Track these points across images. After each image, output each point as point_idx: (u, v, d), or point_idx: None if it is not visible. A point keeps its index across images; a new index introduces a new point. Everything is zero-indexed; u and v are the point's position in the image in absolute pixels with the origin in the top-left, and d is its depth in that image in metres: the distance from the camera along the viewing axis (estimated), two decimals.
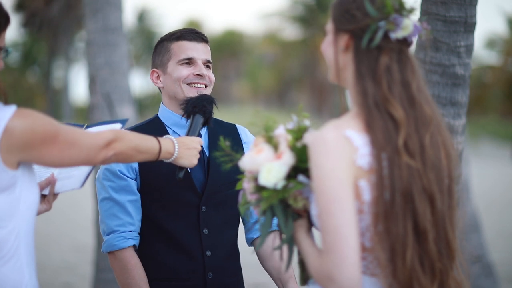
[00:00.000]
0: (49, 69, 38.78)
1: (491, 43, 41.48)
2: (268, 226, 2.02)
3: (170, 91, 2.88)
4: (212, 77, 2.91)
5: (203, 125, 2.79)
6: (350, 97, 2.02)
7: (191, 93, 2.84)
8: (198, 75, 2.85)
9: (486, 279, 6.87)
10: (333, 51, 2.04)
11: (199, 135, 2.88)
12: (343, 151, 1.90)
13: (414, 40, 2.01)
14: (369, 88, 1.96)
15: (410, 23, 1.97)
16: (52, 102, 38.19)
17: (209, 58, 2.92)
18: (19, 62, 40.37)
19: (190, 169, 2.80)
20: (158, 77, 2.92)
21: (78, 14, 32.59)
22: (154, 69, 2.94)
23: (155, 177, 2.80)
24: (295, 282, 2.87)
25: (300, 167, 2.00)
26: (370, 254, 1.94)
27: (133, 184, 2.82)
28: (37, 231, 10.38)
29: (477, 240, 6.90)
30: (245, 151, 2.92)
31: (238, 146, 2.91)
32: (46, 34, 36.93)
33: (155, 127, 2.88)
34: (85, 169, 2.52)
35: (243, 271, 3.00)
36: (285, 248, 2.06)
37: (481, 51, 43.37)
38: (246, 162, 2.03)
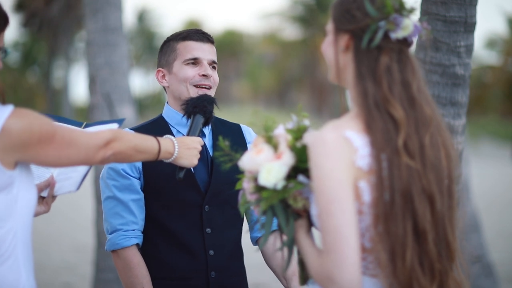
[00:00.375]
0: (49, 69, 38.80)
1: (491, 43, 41.50)
2: (269, 225, 2.02)
3: (176, 91, 2.89)
4: (217, 78, 2.92)
5: (204, 125, 2.79)
6: (350, 98, 2.02)
7: (197, 94, 2.86)
8: (203, 75, 2.86)
9: (486, 279, 6.87)
10: (333, 51, 2.04)
11: (203, 135, 2.89)
12: (343, 151, 1.90)
13: (414, 40, 2.01)
14: (369, 88, 1.96)
15: (410, 23, 1.97)
16: (52, 102, 38.20)
17: (215, 58, 2.93)
18: (19, 62, 40.40)
19: (193, 168, 2.82)
20: (163, 76, 2.94)
21: (78, 14, 32.60)
22: (159, 69, 2.95)
23: (159, 177, 2.81)
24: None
25: (300, 167, 2.00)
26: (370, 255, 1.94)
27: (137, 183, 2.83)
28: (37, 231, 10.39)
29: (477, 240, 6.90)
30: None
31: (242, 146, 2.92)
32: (46, 34, 36.94)
33: (159, 127, 2.90)
34: (81, 171, 2.52)
35: None
36: (285, 248, 2.06)
37: (481, 51, 43.40)
38: (245, 162, 2.03)
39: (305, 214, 2.03)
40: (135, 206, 2.82)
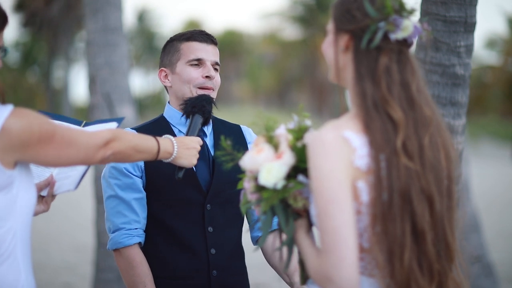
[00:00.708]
0: (49, 69, 38.80)
1: (491, 43, 41.51)
2: (269, 225, 2.02)
3: (178, 91, 2.90)
4: (219, 79, 2.93)
5: (203, 125, 2.80)
6: (350, 98, 2.02)
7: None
8: (207, 76, 2.87)
9: (486, 279, 6.87)
10: (333, 51, 2.04)
11: (204, 134, 2.90)
12: (341, 152, 1.90)
13: (414, 41, 2.01)
14: (368, 88, 1.96)
15: (410, 24, 1.97)
16: (52, 102, 38.20)
17: (218, 60, 2.94)
18: (19, 62, 40.41)
19: (195, 167, 2.83)
20: (166, 76, 2.95)
21: (78, 14, 32.60)
22: (162, 68, 2.96)
23: (161, 175, 2.82)
24: None
25: (300, 167, 2.00)
26: (368, 255, 1.94)
27: (139, 182, 2.84)
28: (37, 231, 10.40)
29: (477, 240, 6.90)
30: None
31: (242, 146, 2.93)
32: (46, 34, 36.95)
33: (160, 126, 2.91)
34: (80, 170, 2.52)
35: None
36: (285, 247, 2.06)
37: (481, 51, 43.42)
38: (246, 161, 2.03)
39: (305, 214, 2.04)
40: (137, 205, 2.83)
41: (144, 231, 2.85)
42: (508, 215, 14.17)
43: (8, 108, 2.11)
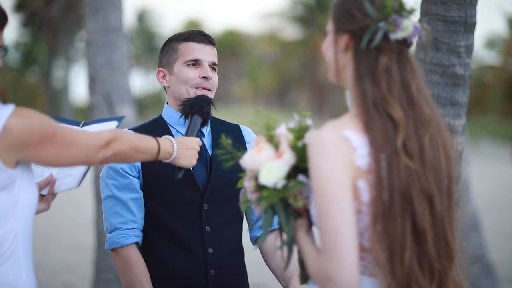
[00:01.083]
0: (49, 69, 38.79)
1: (491, 43, 41.51)
2: (269, 224, 2.03)
3: (176, 91, 2.91)
4: (216, 80, 2.94)
5: (201, 126, 2.81)
6: (350, 98, 2.02)
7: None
8: (204, 77, 2.88)
9: (486, 279, 6.87)
10: (333, 51, 2.04)
11: (202, 134, 2.90)
12: (341, 151, 1.90)
13: (414, 41, 2.01)
14: (368, 88, 1.97)
15: (410, 24, 1.97)
16: (52, 102, 38.20)
17: (215, 60, 2.94)
18: (19, 62, 40.41)
19: (192, 167, 2.83)
20: (164, 76, 2.95)
21: (78, 14, 32.59)
22: (160, 68, 2.97)
23: (158, 175, 2.83)
24: (298, 279, 2.88)
25: (301, 167, 2.01)
26: (368, 254, 1.95)
27: (136, 182, 2.84)
28: (38, 231, 10.40)
29: (477, 240, 6.90)
30: None
31: (241, 146, 2.94)
32: (46, 34, 36.94)
33: (158, 127, 2.91)
34: (82, 168, 2.53)
35: None
36: (285, 247, 2.06)
37: (481, 51, 43.42)
38: (246, 161, 2.04)
39: (305, 213, 2.04)
40: (134, 205, 2.83)
41: (142, 231, 2.86)
42: (508, 215, 14.17)
43: (10, 108, 2.11)
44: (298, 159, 2.01)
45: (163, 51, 2.98)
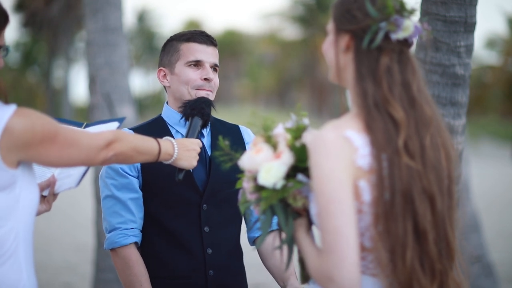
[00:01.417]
0: (49, 69, 38.79)
1: (491, 43, 41.52)
2: (268, 224, 2.02)
3: (177, 92, 2.90)
4: (217, 81, 2.93)
5: (202, 127, 2.82)
6: (350, 98, 2.02)
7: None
8: (205, 79, 2.87)
9: (486, 279, 6.87)
10: (334, 52, 2.04)
11: (201, 135, 2.90)
12: (343, 151, 1.90)
13: (415, 40, 2.01)
14: (369, 88, 1.96)
15: (411, 24, 1.97)
16: (52, 102, 38.20)
17: (217, 62, 2.94)
18: (19, 62, 40.41)
19: None
20: (164, 76, 2.95)
21: (78, 14, 32.59)
22: (161, 68, 2.96)
23: (157, 175, 2.83)
24: (296, 279, 2.89)
25: (299, 167, 2.00)
26: (370, 254, 1.95)
27: (135, 182, 2.84)
28: (38, 231, 10.39)
29: (477, 240, 6.90)
30: None
31: (240, 147, 2.93)
32: (46, 34, 36.94)
33: (158, 127, 2.91)
34: (82, 168, 2.53)
35: None
36: (285, 247, 2.06)
37: (481, 51, 43.42)
38: (245, 161, 2.03)
39: (304, 213, 2.04)
40: (133, 205, 2.83)
41: (141, 231, 2.86)
42: (508, 215, 14.17)
43: (12, 108, 2.12)
44: (296, 159, 2.01)
45: (165, 50, 2.97)
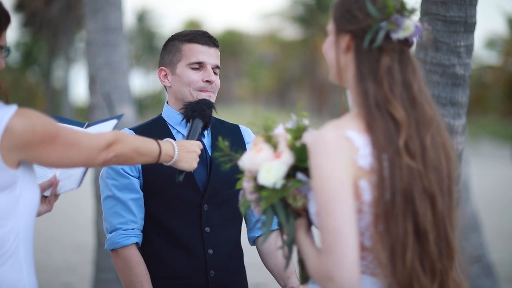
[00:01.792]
0: (49, 69, 38.79)
1: (491, 43, 41.52)
2: (270, 224, 2.03)
3: (178, 92, 2.90)
4: (218, 83, 2.93)
5: (203, 129, 2.81)
6: (351, 98, 2.02)
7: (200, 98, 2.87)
8: (207, 81, 2.87)
9: (486, 279, 6.87)
10: (334, 52, 2.04)
11: (202, 136, 2.90)
12: (343, 151, 1.90)
13: (415, 40, 2.01)
14: (370, 88, 1.96)
15: (412, 23, 1.97)
16: (52, 102, 38.19)
17: (218, 63, 2.94)
18: (19, 62, 40.41)
19: None
20: (165, 75, 2.94)
21: (78, 14, 32.59)
22: (162, 67, 2.95)
23: (158, 176, 2.82)
24: (297, 278, 2.88)
25: (299, 167, 2.01)
26: (370, 254, 1.95)
27: (136, 183, 2.84)
28: (38, 231, 10.39)
29: (477, 240, 6.90)
30: None
31: (241, 146, 2.93)
32: (46, 34, 36.94)
33: (158, 127, 2.91)
34: (82, 168, 2.53)
35: None
36: (285, 247, 2.06)
37: (481, 51, 43.43)
38: (245, 161, 2.03)
39: (304, 213, 2.04)
40: (134, 205, 2.83)
41: (142, 231, 2.86)
42: (508, 215, 14.17)
43: (12, 108, 2.12)
44: (296, 159, 2.01)
45: (166, 50, 2.96)
